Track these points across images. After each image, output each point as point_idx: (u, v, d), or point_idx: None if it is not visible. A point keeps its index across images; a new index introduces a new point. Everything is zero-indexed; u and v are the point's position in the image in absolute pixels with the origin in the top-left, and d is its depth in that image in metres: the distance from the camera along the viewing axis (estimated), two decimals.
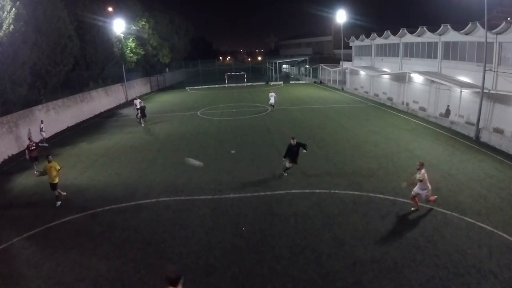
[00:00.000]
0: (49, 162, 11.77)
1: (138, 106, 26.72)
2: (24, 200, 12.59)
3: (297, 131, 21.08)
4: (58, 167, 11.84)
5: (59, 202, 11.85)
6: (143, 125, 24.57)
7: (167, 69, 59.04)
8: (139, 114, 25.88)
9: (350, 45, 42.95)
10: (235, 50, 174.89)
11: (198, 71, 57.77)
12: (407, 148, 16.78)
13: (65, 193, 12.44)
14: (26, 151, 15.43)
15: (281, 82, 53.75)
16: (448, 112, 22.45)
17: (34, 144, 15.40)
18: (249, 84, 52.25)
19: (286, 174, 13.52)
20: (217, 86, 52.35)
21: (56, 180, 11.79)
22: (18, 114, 20.20)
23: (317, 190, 12.10)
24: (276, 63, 59.18)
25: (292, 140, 13.17)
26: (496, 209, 10.34)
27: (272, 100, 30.96)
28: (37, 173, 14.83)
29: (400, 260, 8.02)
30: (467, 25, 21.03)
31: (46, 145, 20.19)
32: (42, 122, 20.76)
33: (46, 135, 22.37)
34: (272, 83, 54.01)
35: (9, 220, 11.00)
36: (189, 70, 61.09)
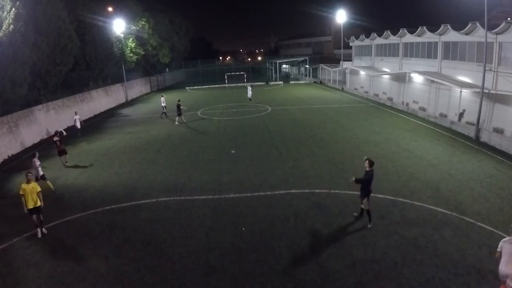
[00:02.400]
0: (28, 182, 9.64)
1: (164, 104, 27.52)
2: None
3: (297, 131, 21.11)
4: (39, 189, 9.84)
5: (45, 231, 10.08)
6: (177, 123, 24.49)
7: (167, 69, 59.04)
8: (165, 112, 27.20)
9: (350, 45, 42.92)
10: (235, 50, 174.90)
11: (198, 71, 57.74)
12: (407, 148, 16.78)
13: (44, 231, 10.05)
14: (57, 143, 16.01)
15: (281, 82, 53.75)
16: (461, 115, 20.98)
17: (59, 138, 16.06)
18: (249, 84, 52.18)
19: (355, 214, 10.25)
20: (217, 86, 52.34)
21: (39, 203, 9.74)
22: (18, 114, 20.19)
23: (317, 190, 12.09)
24: (276, 63, 59.19)
25: (367, 164, 9.50)
26: (496, 209, 10.34)
27: (249, 94, 32.48)
28: (67, 163, 16.30)
29: (400, 260, 8.02)
30: (467, 25, 21.01)
31: (79, 135, 22.19)
32: (76, 113, 22.56)
33: (46, 134, 22.43)
34: (272, 83, 54.01)
35: (9, 220, 10.98)
36: (189, 70, 61.06)
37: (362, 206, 9.72)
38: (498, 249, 6.43)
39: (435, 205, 10.71)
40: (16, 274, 8.18)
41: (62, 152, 16.12)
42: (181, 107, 24.67)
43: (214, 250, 8.82)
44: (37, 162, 12.84)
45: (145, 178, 14.08)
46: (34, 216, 9.70)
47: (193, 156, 16.89)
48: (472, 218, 9.80)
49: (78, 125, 22.08)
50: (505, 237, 6.41)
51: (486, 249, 8.32)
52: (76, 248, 9.15)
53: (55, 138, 16.09)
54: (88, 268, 8.25)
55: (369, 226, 9.55)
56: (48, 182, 13.01)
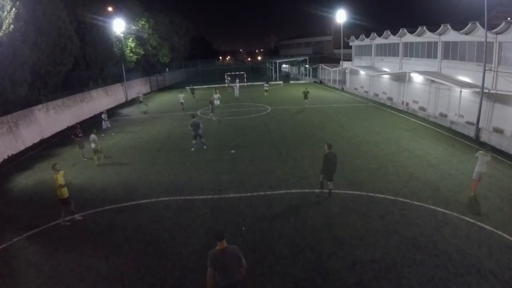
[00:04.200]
0: (58, 172, 10.11)
1: (182, 100, 29.70)
2: (24, 200, 12.58)
3: (297, 131, 21.11)
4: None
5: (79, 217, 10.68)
6: (214, 119, 25.50)
7: (167, 69, 59.02)
8: (184, 108, 29.25)
9: (350, 45, 42.91)
10: (235, 50, 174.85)
11: (198, 71, 57.75)
12: (407, 148, 16.78)
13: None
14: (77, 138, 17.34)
15: (281, 82, 53.73)
16: None
17: (80, 132, 17.46)
18: (249, 84, 52.23)
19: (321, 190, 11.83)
20: (217, 86, 52.26)
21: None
22: (18, 114, 20.17)
23: (317, 190, 12.08)
24: (276, 63, 59.19)
25: (326, 146, 11.39)
26: (496, 209, 10.34)
27: (236, 92, 33.71)
28: (85, 158, 17.10)
29: (400, 260, 8.01)
30: (467, 25, 21.00)
31: (112, 134, 22.34)
32: (103, 112, 23.52)
33: (46, 134, 22.43)
34: (271, 82, 53.98)
35: (9, 220, 10.98)
36: (189, 70, 61.09)
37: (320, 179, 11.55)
38: (476, 155, 11.10)
39: (435, 205, 10.71)
40: (16, 274, 8.18)
41: (81, 146, 17.30)
42: (211, 103, 25.90)
43: None
44: (96, 138, 15.76)
45: (145, 178, 14.08)
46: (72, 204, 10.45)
47: (193, 156, 16.88)
48: (472, 218, 9.80)
49: (107, 124, 22.28)
50: (505, 237, 6.54)
51: (486, 249, 8.32)
52: (76, 248, 9.14)
53: (78, 135, 17.29)
54: (88, 268, 8.25)
55: (317, 191, 11.66)
56: (96, 157, 15.97)
